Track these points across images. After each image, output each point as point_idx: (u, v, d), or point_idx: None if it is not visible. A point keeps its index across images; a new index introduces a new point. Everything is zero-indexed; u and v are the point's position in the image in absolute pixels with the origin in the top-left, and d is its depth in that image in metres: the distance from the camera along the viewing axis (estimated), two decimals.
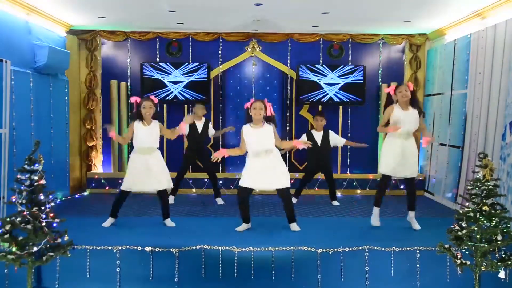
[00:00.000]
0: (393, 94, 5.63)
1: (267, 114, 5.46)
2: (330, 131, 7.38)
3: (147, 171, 5.61)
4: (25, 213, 4.05)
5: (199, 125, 7.32)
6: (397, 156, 5.54)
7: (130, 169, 5.70)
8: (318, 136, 7.26)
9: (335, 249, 4.79)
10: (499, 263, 4.04)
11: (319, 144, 7.20)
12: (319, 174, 7.74)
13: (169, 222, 5.81)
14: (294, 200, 7.42)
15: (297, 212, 6.75)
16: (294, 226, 5.59)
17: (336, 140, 7.37)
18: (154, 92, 8.42)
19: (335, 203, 7.40)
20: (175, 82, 8.49)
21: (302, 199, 7.69)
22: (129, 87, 8.74)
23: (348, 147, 8.75)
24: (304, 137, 7.25)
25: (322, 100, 8.57)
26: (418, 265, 4.78)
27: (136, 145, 5.69)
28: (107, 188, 8.43)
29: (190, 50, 8.76)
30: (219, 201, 7.43)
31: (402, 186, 8.26)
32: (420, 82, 8.82)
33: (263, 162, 5.40)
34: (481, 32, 6.64)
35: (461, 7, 6.53)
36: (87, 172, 8.67)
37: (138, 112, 5.64)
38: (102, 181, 8.46)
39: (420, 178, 8.51)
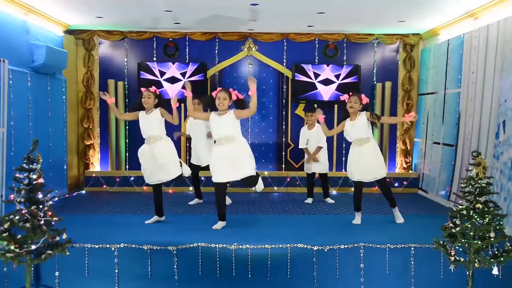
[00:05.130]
0: (347, 102, 5.78)
1: (233, 99, 5.52)
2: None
3: (154, 162, 5.65)
4: (23, 211, 4.08)
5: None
6: (355, 163, 5.74)
7: (141, 162, 5.80)
8: (311, 135, 7.24)
9: (331, 246, 4.83)
10: (492, 260, 4.08)
11: (312, 143, 7.23)
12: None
13: (154, 219, 5.89)
14: (309, 200, 7.48)
15: (293, 210, 6.85)
16: (220, 224, 5.58)
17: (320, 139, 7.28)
18: None
19: (329, 200, 7.46)
20: (171, 82, 8.53)
21: (300, 197, 7.76)
22: (126, 86, 8.77)
23: (343, 145, 8.82)
24: (301, 135, 7.36)
25: (317, 99, 8.65)
26: (412, 262, 4.84)
27: (143, 135, 5.78)
28: (104, 186, 8.47)
29: (187, 50, 8.80)
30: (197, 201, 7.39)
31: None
32: (414, 81, 8.90)
33: (223, 150, 5.41)
34: (474, 32, 6.71)
35: (454, 7, 6.60)
36: (84, 171, 8.70)
37: (138, 102, 5.77)
38: (100, 179, 8.49)
39: (414, 177, 8.60)
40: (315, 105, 8.35)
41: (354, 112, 5.72)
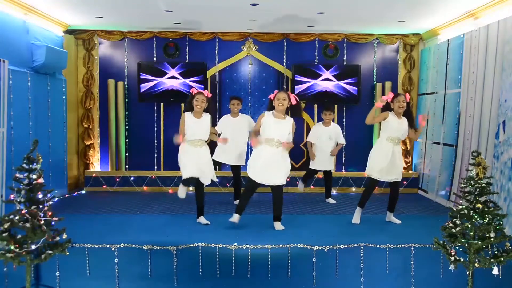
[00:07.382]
0: (390, 102, 5.78)
1: (292, 103, 5.50)
2: (337, 125, 7.40)
3: (200, 163, 5.69)
4: (23, 211, 4.08)
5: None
6: (386, 161, 5.73)
7: (187, 158, 5.70)
8: (329, 132, 7.22)
9: (331, 246, 4.84)
10: (492, 260, 4.09)
11: (324, 140, 7.23)
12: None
13: (202, 220, 5.87)
14: (301, 185, 7.53)
15: (293, 210, 6.85)
16: (278, 225, 5.63)
17: (339, 137, 7.30)
18: (151, 91, 8.50)
19: (331, 201, 7.46)
20: (171, 82, 8.54)
21: (298, 197, 7.76)
22: (126, 86, 8.78)
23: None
24: (313, 130, 7.38)
25: (317, 97, 8.66)
26: (412, 262, 4.84)
27: (187, 137, 5.70)
28: (104, 186, 8.46)
29: (187, 50, 8.80)
30: None
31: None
32: (414, 81, 8.89)
33: (270, 151, 5.47)
34: (474, 32, 6.71)
35: (454, 7, 6.60)
36: (84, 171, 8.69)
37: (189, 103, 5.74)
38: (100, 179, 8.49)
39: (414, 176, 8.60)
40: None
41: (402, 112, 5.74)
